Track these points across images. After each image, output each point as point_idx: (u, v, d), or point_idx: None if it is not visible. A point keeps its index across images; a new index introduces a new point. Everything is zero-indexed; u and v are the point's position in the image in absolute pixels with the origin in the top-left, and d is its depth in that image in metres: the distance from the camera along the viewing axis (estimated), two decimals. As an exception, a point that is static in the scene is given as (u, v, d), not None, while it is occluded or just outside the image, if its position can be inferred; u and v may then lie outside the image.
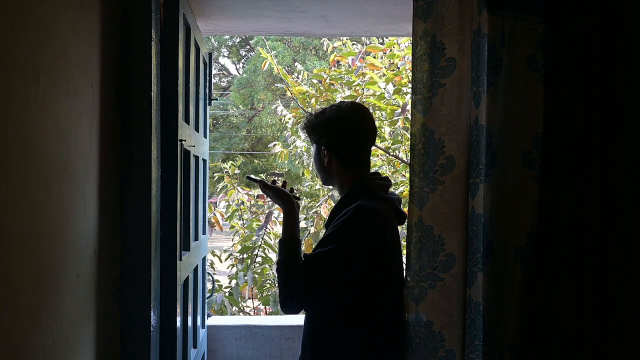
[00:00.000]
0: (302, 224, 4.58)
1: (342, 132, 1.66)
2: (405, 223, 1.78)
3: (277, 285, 4.27)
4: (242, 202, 4.84)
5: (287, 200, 1.72)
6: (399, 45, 4.21)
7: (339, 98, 4.37)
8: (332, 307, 1.57)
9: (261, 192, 1.82)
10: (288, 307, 1.58)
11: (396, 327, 1.68)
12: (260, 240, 4.38)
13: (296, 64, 6.14)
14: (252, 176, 1.88)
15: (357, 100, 4.18)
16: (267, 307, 4.38)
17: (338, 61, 4.59)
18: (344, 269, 1.52)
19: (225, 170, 5.06)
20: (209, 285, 3.30)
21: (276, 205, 3.63)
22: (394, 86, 4.19)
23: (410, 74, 1.79)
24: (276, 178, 2.07)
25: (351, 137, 1.66)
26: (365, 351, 1.57)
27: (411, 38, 1.84)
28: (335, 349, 1.57)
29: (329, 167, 1.69)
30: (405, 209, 1.78)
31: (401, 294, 1.69)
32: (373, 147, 2.15)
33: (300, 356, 1.66)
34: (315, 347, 1.60)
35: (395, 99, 4.19)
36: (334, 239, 1.54)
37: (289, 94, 5.11)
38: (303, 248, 4.37)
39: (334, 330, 1.58)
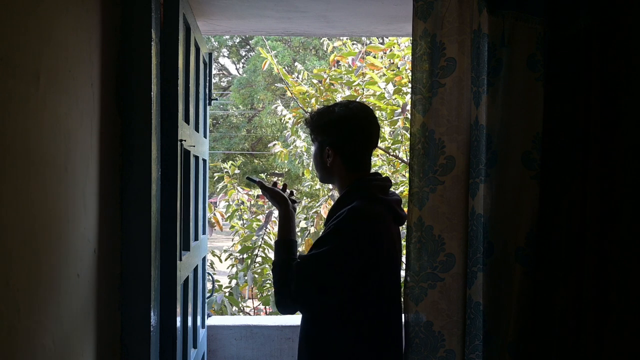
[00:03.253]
0: (303, 224, 4.58)
1: (349, 133, 1.64)
2: (405, 223, 1.77)
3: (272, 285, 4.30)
4: (242, 202, 4.84)
5: (282, 202, 1.71)
6: (399, 45, 4.21)
7: (339, 98, 4.37)
8: (325, 308, 1.57)
9: (261, 193, 1.83)
10: (282, 308, 1.59)
11: (388, 328, 1.64)
12: (260, 240, 4.38)
13: (296, 64, 6.13)
14: (252, 177, 1.89)
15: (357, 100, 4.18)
16: (267, 307, 4.38)
17: (338, 61, 4.59)
18: (336, 272, 1.52)
19: (225, 170, 5.06)
20: (209, 285, 3.29)
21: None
22: (394, 86, 4.19)
23: (410, 74, 1.79)
24: (277, 179, 2.08)
25: (357, 138, 1.65)
26: (358, 351, 1.57)
27: (411, 38, 1.84)
28: (329, 349, 1.58)
29: (331, 167, 1.67)
30: (406, 209, 1.78)
31: (397, 295, 1.67)
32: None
33: (298, 355, 1.66)
34: (310, 347, 1.61)
35: (395, 99, 4.19)
36: (326, 241, 1.54)
37: (289, 94, 5.11)
38: (302, 248, 4.38)
39: (327, 330, 1.58)
